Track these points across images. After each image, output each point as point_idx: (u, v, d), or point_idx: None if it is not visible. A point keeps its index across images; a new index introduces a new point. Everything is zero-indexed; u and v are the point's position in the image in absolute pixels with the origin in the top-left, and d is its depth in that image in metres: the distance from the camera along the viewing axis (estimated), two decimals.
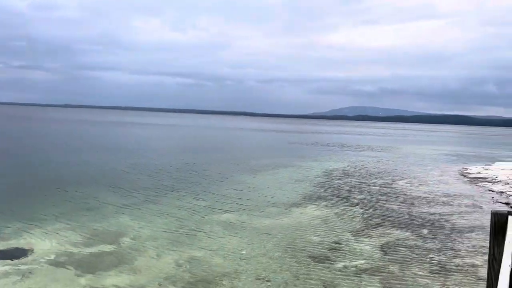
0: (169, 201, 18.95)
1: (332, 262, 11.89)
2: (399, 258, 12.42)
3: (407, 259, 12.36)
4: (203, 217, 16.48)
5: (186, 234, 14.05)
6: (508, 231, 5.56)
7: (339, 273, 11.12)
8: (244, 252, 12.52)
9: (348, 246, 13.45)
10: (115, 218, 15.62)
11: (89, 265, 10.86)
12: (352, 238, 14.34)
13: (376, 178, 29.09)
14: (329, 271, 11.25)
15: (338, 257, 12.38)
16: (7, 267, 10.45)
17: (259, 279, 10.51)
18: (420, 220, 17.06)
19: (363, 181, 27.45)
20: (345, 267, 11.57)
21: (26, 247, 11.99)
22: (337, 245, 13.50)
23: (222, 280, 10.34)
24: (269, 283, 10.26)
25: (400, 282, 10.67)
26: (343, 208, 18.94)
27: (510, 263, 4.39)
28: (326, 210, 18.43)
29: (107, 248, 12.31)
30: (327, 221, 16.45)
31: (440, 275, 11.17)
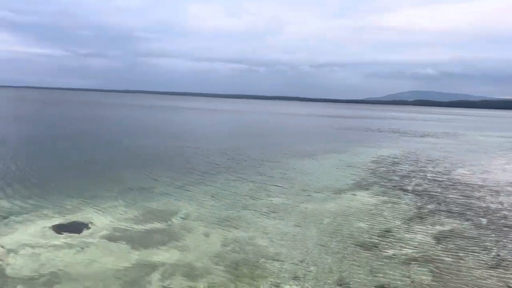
0: (218, 184, 19.34)
1: (380, 249, 11.58)
2: (453, 249, 11.85)
3: (462, 250, 11.75)
4: (251, 200, 16.65)
5: (234, 216, 14.30)
6: None
7: (387, 260, 10.82)
8: (289, 235, 12.52)
9: (399, 234, 13.02)
10: (167, 198, 16.23)
11: (141, 241, 11.41)
12: (403, 226, 13.86)
13: (433, 165, 27.78)
14: (377, 258, 10.97)
15: (387, 244, 12.03)
16: (69, 239, 11.24)
17: (303, 262, 10.49)
18: (479, 210, 16.11)
19: (419, 168, 26.33)
20: (394, 255, 11.23)
21: (86, 222, 12.80)
22: (386, 232, 13.12)
23: (266, 261, 10.43)
24: (312, 267, 10.21)
25: (453, 273, 10.18)
26: (395, 195, 18.32)
27: None
28: (377, 197, 17.93)
29: (158, 226, 12.84)
30: (377, 208, 16.01)
31: (498, 268, 10.52)
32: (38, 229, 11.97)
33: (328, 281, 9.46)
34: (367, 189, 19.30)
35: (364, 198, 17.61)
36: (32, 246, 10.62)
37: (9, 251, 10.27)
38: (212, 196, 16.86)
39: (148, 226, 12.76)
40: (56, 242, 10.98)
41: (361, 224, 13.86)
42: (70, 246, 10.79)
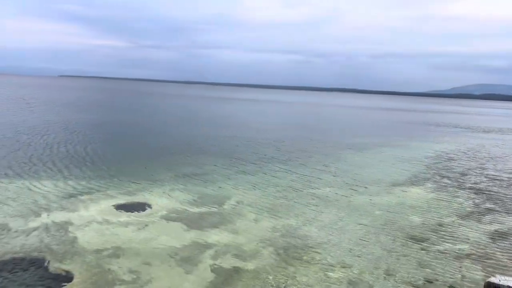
0: (271, 172, 19.75)
1: (432, 244, 11.40)
2: (510, 247, 11.38)
3: None
4: (302, 190, 16.89)
5: (285, 204, 14.63)
6: None
7: (438, 254, 10.65)
8: (338, 225, 12.65)
9: (452, 229, 12.69)
10: (222, 184, 16.90)
11: (195, 222, 12.10)
12: (458, 222, 13.47)
13: (494, 163, 26.34)
14: (427, 252, 10.83)
15: (439, 239, 11.80)
16: (130, 218, 12.17)
17: (351, 252, 10.62)
18: None
19: (480, 164, 25.09)
20: (445, 250, 11.02)
21: (146, 203, 13.74)
22: (439, 227, 12.83)
23: (313, 248, 10.68)
24: (360, 257, 10.31)
25: (508, 272, 9.84)
26: (452, 191, 17.72)
27: None
28: (433, 192, 17.45)
29: (212, 209, 13.50)
30: (432, 203, 15.63)
31: None
32: (105, 207, 13.05)
33: (375, 271, 9.54)
34: (421, 184, 18.82)
35: (418, 192, 17.22)
36: (99, 223, 11.64)
37: (80, 226, 11.34)
38: (265, 185, 17.30)
39: (203, 209, 13.45)
40: (120, 220, 11.94)
41: (413, 218, 13.65)
42: (131, 224, 11.70)
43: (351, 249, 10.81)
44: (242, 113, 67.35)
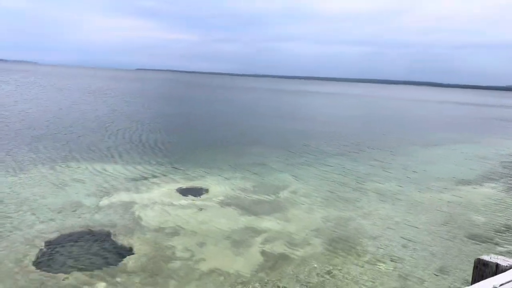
0: (330, 166, 19.64)
1: (495, 245, 10.78)
2: None
3: None
4: (361, 183, 16.63)
5: (340, 196, 14.56)
6: None
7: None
8: (394, 220, 12.36)
9: None
10: (278, 174, 17.18)
11: (249, 209, 12.51)
12: None
13: None
14: (488, 253, 10.25)
15: (504, 241, 11.10)
16: (189, 201, 12.89)
17: (405, 247, 10.38)
18: None
19: None
20: (508, 252, 10.36)
21: (205, 188, 14.43)
22: (506, 229, 12.04)
23: (364, 241, 10.59)
24: (414, 252, 10.05)
25: None
26: None
27: None
28: (502, 192, 16.30)
29: (267, 197, 13.83)
30: (501, 203, 14.64)
31: None
32: (166, 191, 13.93)
33: (429, 268, 9.26)
34: (490, 184, 17.63)
35: (485, 192, 16.19)
36: (160, 204, 12.48)
37: (143, 206, 12.25)
38: (322, 176, 17.29)
39: (257, 197, 13.83)
40: (179, 203, 12.70)
41: (478, 218, 12.92)
42: (189, 206, 12.40)
43: (405, 244, 10.56)
44: (310, 106, 66.99)
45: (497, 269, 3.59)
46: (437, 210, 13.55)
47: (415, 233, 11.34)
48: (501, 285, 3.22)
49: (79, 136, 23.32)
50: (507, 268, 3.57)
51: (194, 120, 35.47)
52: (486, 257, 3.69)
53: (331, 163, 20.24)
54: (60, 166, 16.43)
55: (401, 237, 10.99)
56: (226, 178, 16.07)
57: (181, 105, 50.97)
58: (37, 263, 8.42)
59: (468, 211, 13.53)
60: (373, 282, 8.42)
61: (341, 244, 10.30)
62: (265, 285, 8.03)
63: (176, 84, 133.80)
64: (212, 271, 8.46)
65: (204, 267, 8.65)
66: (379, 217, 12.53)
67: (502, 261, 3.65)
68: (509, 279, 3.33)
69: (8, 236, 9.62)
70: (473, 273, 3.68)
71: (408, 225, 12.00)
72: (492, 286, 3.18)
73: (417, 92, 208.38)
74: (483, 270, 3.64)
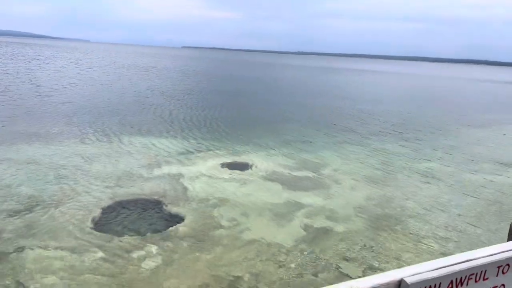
0: (375, 144, 19.43)
1: None
2: None
3: None
4: (406, 163, 16.40)
5: (384, 175, 14.48)
6: None
7: None
8: (439, 201, 12.20)
9: None
10: (321, 152, 17.27)
11: (291, 184, 12.78)
12: None
13: None
14: None
15: None
16: (233, 175, 13.34)
17: (447, 227, 10.28)
18: None
19: None
20: None
21: (249, 163, 14.82)
22: None
23: (407, 220, 10.59)
24: (457, 232, 9.95)
25: None
26: None
27: None
28: None
29: (309, 174, 14.02)
30: None
31: None
32: (212, 164, 14.45)
33: (471, 248, 9.16)
34: None
35: None
36: (207, 176, 13.02)
37: (191, 178, 12.83)
38: (366, 155, 17.19)
39: (300, 173, 14.05)
40: (225, 176, 13.18)
41: None
42: (234, 180, 12.85)
43: (448, 224, 10.46)
44: (356, 84, 65.59)
45: None
46: (485, 192, 13.19)
47: (459, 214, 11.18)
48: None
49: (129, 113, 24.41)
50: None
51: (241, 98, 35.91)
52: None
53: (376, 141, 20.00)
54: (114, 140, 17.40)
55: (445, 218, 10.88)
56: (269, 154, 16.38)
57: (226, 83, 51.58)
58: (95, 227, 9.18)
59: None
60: (416, 260, 8.49)
61: (384, 222, 10.36)
62: (306, 256, 8.33)
63: (222, 62, 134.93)
64: (255, 240, 8.86)
65: (247, 236, 9.07)
66: (423, 197, 12.41)
67: None
68: None
69: (69, 202, 10.49)
70: (508, 237, 3.72)
71: (453, 205, 11.82)
72: None
73: (471, 71, 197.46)
74: None
